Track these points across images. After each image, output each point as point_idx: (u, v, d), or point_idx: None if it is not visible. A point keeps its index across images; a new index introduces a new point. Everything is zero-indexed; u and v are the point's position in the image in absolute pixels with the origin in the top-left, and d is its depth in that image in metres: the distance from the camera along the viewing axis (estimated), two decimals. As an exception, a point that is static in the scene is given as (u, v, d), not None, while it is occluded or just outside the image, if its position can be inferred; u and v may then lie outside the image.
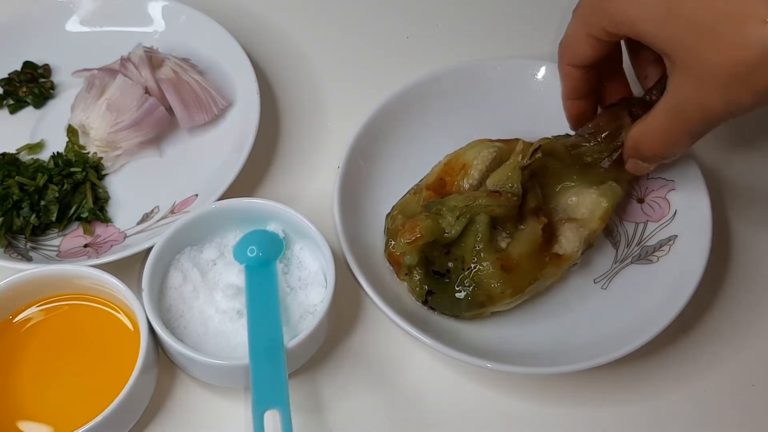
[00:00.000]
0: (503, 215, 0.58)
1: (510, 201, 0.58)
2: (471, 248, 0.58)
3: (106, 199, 0.67)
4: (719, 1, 0.44)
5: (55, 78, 0.75)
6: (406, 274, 0.59)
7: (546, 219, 0.59)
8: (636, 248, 0.63)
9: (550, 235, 0.59)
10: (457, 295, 0.58)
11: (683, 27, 0.46)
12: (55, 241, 0.64)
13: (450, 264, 0.59)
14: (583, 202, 0.61)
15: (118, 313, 0.57)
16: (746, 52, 0.44)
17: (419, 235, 0.57)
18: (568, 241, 0.59)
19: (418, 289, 0.59)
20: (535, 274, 0.58)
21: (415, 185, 0.65)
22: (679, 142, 0.53)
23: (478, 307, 0.58)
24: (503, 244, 0.58)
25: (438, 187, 0.62)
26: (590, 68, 0.56)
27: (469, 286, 0.58)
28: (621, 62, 0.61)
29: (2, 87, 0.73)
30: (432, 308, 0.59)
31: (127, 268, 0.61)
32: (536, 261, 0.58)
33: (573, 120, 0.62)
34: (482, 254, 0.57)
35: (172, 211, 0.65)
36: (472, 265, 0.57)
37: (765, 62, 0.44)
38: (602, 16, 0.50)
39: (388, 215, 0.64)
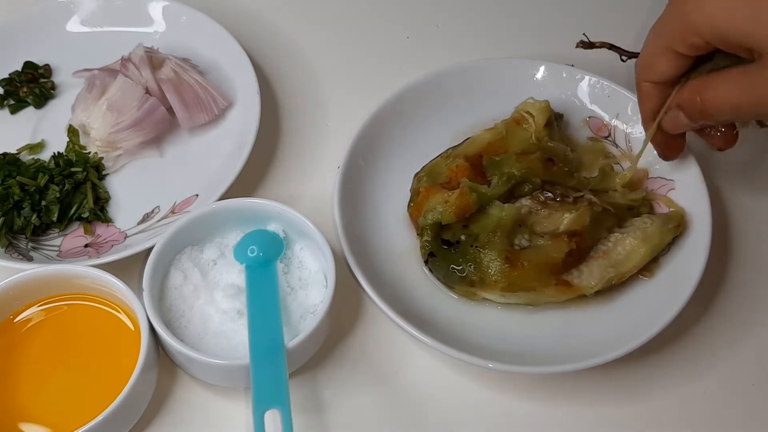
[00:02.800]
0: (552, 182, 0.61)
1: (561, 171, 0.61)
2: (489, 230, 0.59)
3: (107, 199, 0.67)
4: None
5: (56, 78, 0.75)
6: (418, 234, 0.62)
7: (575, 245, 0.59)
8: (636, 248, 0.63)
9: (575, 261, 0.59)
10: (453, 265, 0.59)
11: None
12: (55, 241, 0.64)
13: (462, 237, 0.60)
14: (623, 243, 0.60)
15: (119, 312, 0.57)
16: None
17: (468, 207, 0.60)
18: (590, 274, 0.59)
19: (422, 249, 0.61)
20: (533, 284, 0.58)
21: (449, 149, 0.66)
22: (744, 115, 0.54)
23: (468, 284, 0.59)
24: (518, 243, 0.59)
25: (476, 162, 0.64)
26: (668, 86, 0.56)
27: (469, 263, 0.59)
28: None
29: (3, 87, 0.73)
30: (430, 270, 0.61)
31: (128, 268, 0.61)
32: (542, 276, 0.58)
33: (666, 152, 0.62)
34: (496, 239, 0.59)
35: (173, 211, 0.66)
36: (480, 246, 0.59)
37: None
38: (684, 26, 0.51)
39: (415, 175, 0.66)
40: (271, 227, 0.61)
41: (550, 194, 0.61)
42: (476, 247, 0.59)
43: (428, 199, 0.61)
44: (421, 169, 0.65)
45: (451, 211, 0.59)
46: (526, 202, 0.61)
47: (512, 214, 0.59)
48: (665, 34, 0.53)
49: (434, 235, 0.60)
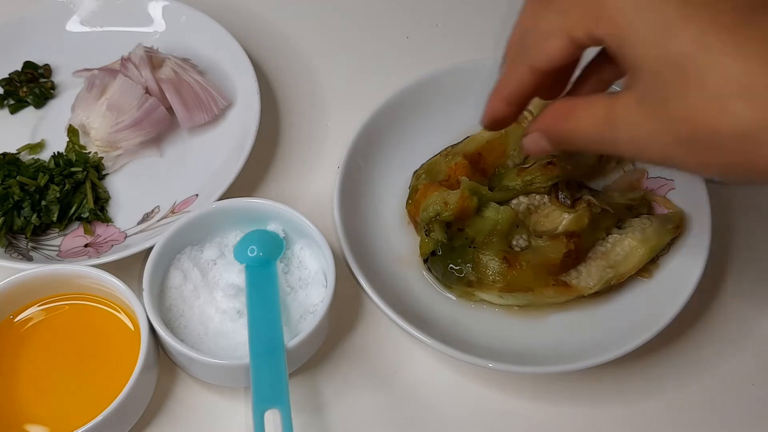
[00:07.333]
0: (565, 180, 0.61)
1: (564, 169, 0.61)
2: (485, 233, 0.59)
3: (107, 199, 0.67)
4: (721, 57, 0.39)
5: (56, 78, 0.75)
6: (426, 230, 0.61)
7: (574, 246, 0.59)
8: (636, 248, 0.63)
9: (573, 262, 0.59)
10: (452, 265, 0.59)
11: (669, 62, 0.40)
12: (55, 240, 0.64)
13: (458, 242, 0.60)
14: (621, 243, 0.60)
15: (119, 312, 0.58)
16: (719, 124, 0.39)
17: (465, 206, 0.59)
18: (589, 275, 0.59)
19: (424, 247, 0.61)
20: (531, 284, 0.58)
21: (448, 147, 0.66)
22: (604, 146, 0.47)
23: (466, 284, 0.59)
24: (516, 244, 0.59)
25: (474, 160, 0.64)
26: (549, 73, 0.48)
27: (467, 263, 0.58)
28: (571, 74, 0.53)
29: (3, 87, 0.73)
30: (429, 269, 0.61)
31: (128, 268, 0.61)
32: (540, 276, 0.58)
33: (492, 124, 0.54)
34: (494, 240, 0.58)
35: (173, 211, 0.66)
36: (478, 247, 0.59)
37: (731, 142, 0.39)
38: (590, 15, 0.43)
39: (415, 172, 0.65)
40: (271, 227, 0.61)
41: (564, 196, 0.61)
42: (474, 247, 0.59)
43: (426, 196, 0.61)
44: (420, 167, 0.65)
45: (450, 213, 0.59)
46: (524, 199, 0.61)
47: (508, 217, 0.59)
48: (567, 14, 0.44)
49: (442, 230, 0.60)
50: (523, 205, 0.61)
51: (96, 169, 0.67)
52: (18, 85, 0.73)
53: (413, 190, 0.64)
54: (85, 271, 0.57)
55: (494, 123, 0.53)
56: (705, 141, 0.40)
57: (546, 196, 0.61)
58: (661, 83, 0.41)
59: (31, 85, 0.73)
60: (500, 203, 0.60)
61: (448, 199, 0.59)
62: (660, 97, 0.41)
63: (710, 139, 0.40)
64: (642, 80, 0.42)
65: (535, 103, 0.66)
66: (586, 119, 0.46)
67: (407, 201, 0.64)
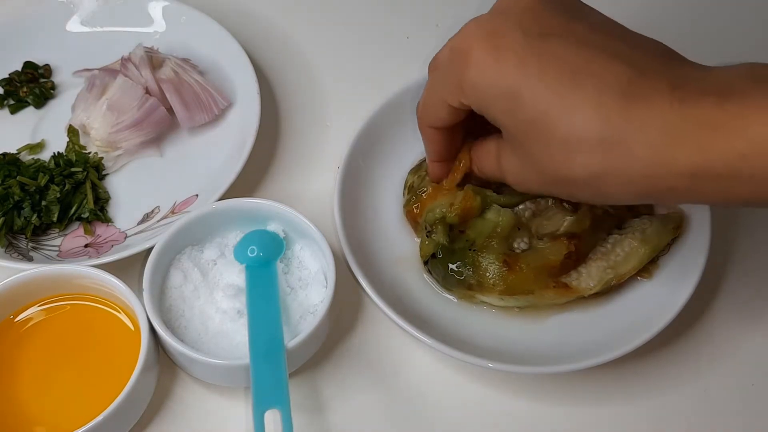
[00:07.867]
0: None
1: None
2: (485, 235, 0.58)
3: (107, 199, 0.67)
4: (559, 118, 0.46)
5: (56, 78, 0.75)
6: (428, 232, 0.60)
7: (574, 247, 0.58)
8: (636, 248, 0.63)
9: (573, 263, 0.59)
10: (452, 267, 0.58)
11: (520, 126, 0.48)
12: (55, 241, 0.64)
13: (460, 245, 0.59)
14: (621, 244, 0.60)
15: (119, 312, 0.58)
16: (571, 172, 0.47)
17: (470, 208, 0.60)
18: (589, 276, 0.59)
19: (424, 249, 0.60)
20: (531, 287, 0.58)
21: None
22: (504, 182, 0.55)
23: (466, 288, 0.59)
24: (517, 246, 0.59)
25: None
26: (451, 130, 0.56)
27: (467, 266, 0.58)
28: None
29: (3, 87, 0.73)
30: (429, 271, 0.61)
31: (128, 268, 0.61)
32: (540, 278, 0.58)
33: (437, 180, 0.62)
34: (494, 244, 0.58)
35: (173, 211, 0.66)
36: (479, 249, 0.58)
37: (584, 184, 0.47)
38: (457, 86, 0.50)
39: (411, 170, 0.65)
40: (271, 227, 0.61)
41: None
42: (474, 250, 0.59)
43: (435, 199, 0.61)
44: (421, 167, 0.65)
45: (454, 214, 0.59)
46: (530, 204, 0.61)
47: (508, 220, 0.59)
48: (443, 86, 0.52)
49: (445, 232, 0.60)
50: (529, 211, 0.60)
51: (96, 169, 0.67)
52: (18, 85, 0.73)
53: (410, 191, 0.63)
54: (85, 271, 0.57)
55: (438, 179, 0.61)
56: (566, 183, 0.48)
57: (551, 200, 0.61)
58: (520, 141, 0.49)
59: (31, 85, 0.73)
60: (507, 207, 0.60)
61: (453, 200, 0.59)
62: (523, 152, 0.50)
63: (569, 182, 0.48)
64: (508, 137, 0.51)
65: None
66: (486, 160, 0.56)
67: (407, 201, 0.64)
